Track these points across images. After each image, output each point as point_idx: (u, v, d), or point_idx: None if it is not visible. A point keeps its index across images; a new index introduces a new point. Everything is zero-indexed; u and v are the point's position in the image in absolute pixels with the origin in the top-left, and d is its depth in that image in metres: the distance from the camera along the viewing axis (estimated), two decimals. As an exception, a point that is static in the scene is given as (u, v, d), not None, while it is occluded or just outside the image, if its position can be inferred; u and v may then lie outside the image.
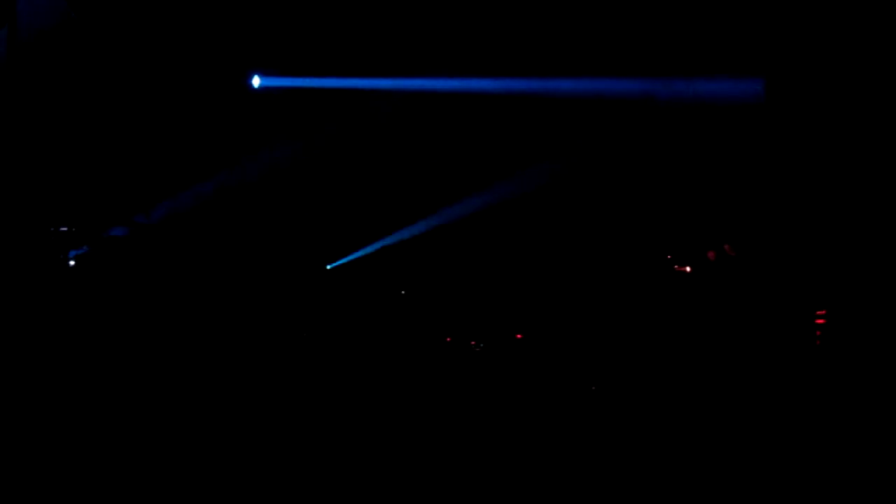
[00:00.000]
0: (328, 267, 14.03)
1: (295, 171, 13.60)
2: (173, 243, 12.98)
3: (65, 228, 11.37)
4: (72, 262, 11.43)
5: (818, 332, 10.13)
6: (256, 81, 13.25)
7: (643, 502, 6.92)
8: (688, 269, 11.32)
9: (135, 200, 12.75)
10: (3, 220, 11.01)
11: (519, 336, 12.65)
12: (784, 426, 8.70)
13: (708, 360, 10.42)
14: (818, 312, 10.16)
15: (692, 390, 10.07)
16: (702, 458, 7.87)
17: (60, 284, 11.22)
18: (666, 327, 11.17)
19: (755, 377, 9.89)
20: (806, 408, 9.17)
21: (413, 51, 12.65)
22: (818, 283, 10.13)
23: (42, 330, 10.53)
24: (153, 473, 7.34)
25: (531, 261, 13.08)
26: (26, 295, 10.64)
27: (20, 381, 9.53)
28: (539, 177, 12.86)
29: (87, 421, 8.66)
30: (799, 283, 10.18)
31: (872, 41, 9.82)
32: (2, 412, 8.64)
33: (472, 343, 12.78)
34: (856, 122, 9.97)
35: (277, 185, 13.64)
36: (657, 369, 10.72)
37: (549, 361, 11.84)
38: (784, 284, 10.23)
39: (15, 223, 11.03)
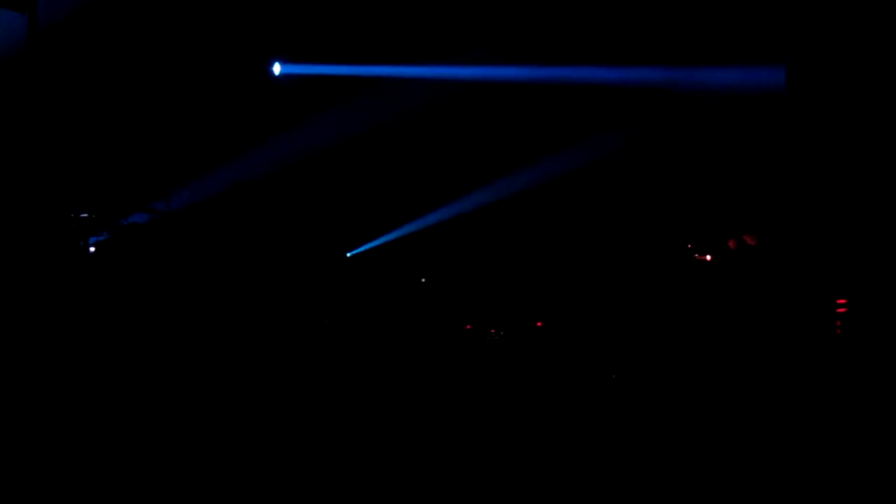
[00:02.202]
0: (348, 255, 14.05)
1: (316, 158, 13.61)
2: (193, 231, 13.02)
3: (85, 215, 11.38)
4: (92, 249, 11.46)
5: (839, 322, 10.07)
6: (277, 69, 13.26)
7: (667, 492, 6.89)
8: (708, 257, 11.28)
9: (155, 187, 12.77)
10: (22, 207, 11.05)
11: (539, 324, 12.64)
12: (804, 417, 8.66)
13: (728, 350, 10.38)
14: (839, 301, 10.10)
15: (712, 380, 10.04)
16: (722, 446, 7.85)
17: (80, 271, 11.24)
18: (686, 316, 11.14)
19: (775, 366, 9.85)
20: (826, 399, 9.12)
21: (433, 39, 12.63)
22: (839, 273, 10.07)
23: (61, 317, 10.56)
24: (170, 462, 7.36)
25: (551, 249, 13.07)
26: (45, 282, 10.67)
27: (38, 368, 9.56)
28: (559, 165, 12.84)
29: (103, 410, 8.70)
30: (820, 273, 10.12)
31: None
32: (16, 400, 8.67)
33: (492, 331, 12.78)
34: (879, 110, 9.90)
35: (299, 173, 13.65)
36: (677, 358, 10.69)
37: (570, 350, 11.83)
38: (805, 274, 10.17)
39: (34, 210, 11.06)
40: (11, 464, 7.11)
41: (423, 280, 13.73)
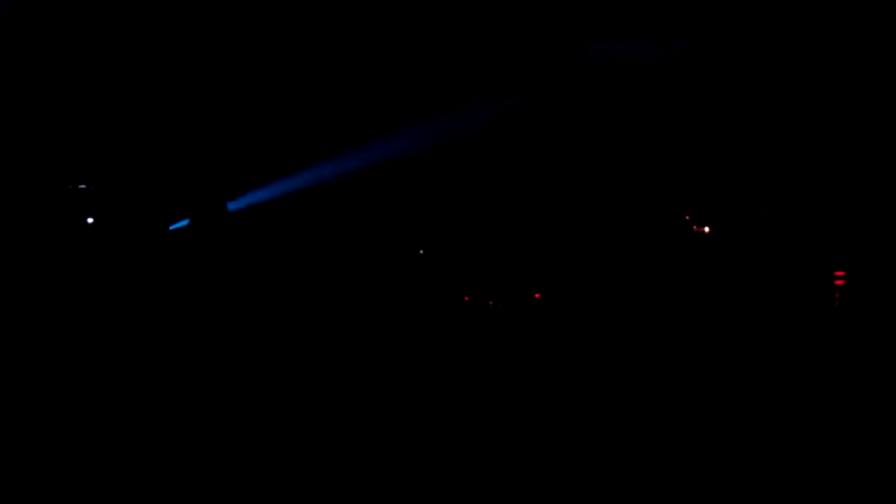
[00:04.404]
0: (345, 226, 14.03)
1: (314, 130, 13.58)
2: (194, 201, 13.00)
3: (83, 186, 11.39)
4: (90, 221, 11.47)
5: (836, 294, 10.10)
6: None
7: (667, 467, 6.92)
8: (706, 229, 11.30)
9: (149, 159, 12.75)
10: (24, 180, 11.06)
11: (538, 295, 12.66)
12: (804, 387, 8.69)
13: (726, 321, 10.42)
14: (837, 273, 10.13)
15: (711, 352, 10.07)
16: (722, 413, 7.88)
17: (79, 243, 11.26)
18: (685, 287, 11.17)
19: (773, 337, 9.88)
20: (825, 370, 9.15)
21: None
22: (837, 245, 10.10)
23: (63, 290, 10.59)
24: (179, 434, 7.38)
25: (550, 221, 13.07)
26: (46, 255, 10.69)
27: (41, 338, 9.58)
28: (559, 137, 12.83)
29: (105, 382, 8.72)
30: (818, 245, 10.15)
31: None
32: (18, 373, 8.69)
33: (490, 303, 12.79)
34: (879, 80, 9.90)
35: (297, 144, 13.62)
36: (677, 329, 10.72)
37: (568, 321, 11.85)
38: (803, 246, 10.20)
39: (35, 183, 11.07)
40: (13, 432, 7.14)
41: (421, 252, 13.73)
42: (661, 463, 6.85)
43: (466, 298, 12.98)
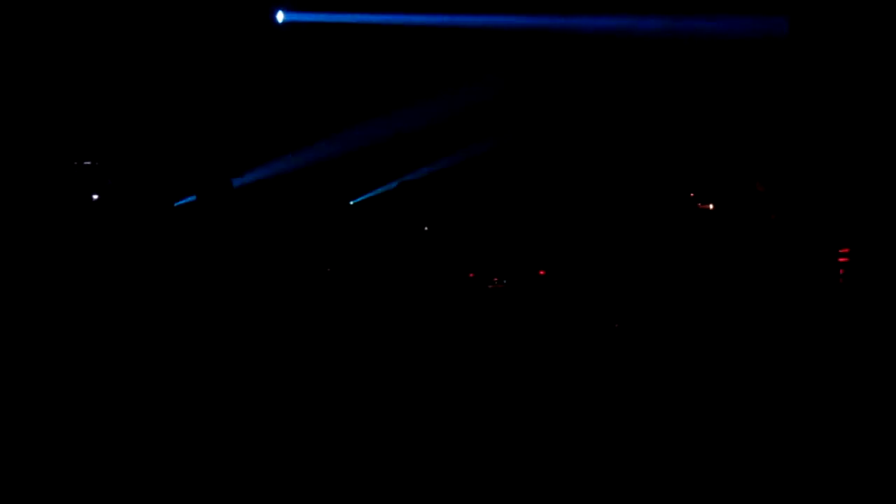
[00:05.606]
0: (351, 203, 14.07)
1: (318, 107, 13.58)
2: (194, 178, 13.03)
3: (88, 163, 11.42)
4: (95, 197, 11.50)
5: (841, 271, 10.09)
6: (280, 17, 13.18)
7: (669, 438, 6.93)
8: (710, 206, 11.29)
9: (155, 136, 12.77)
10: (28, 155, 11.09)
11: (542, 272, 12.67)
12: (806, 368, 8.70)
13: (728, 297, 10.42)
14: (841, 251, 10.11)
15: (714, 329, 10.07)
16: (723, 391, 7.90)
17: (83, 220, 11.30)
18: (689, 264, 11.17)
19: (777, 315, 9.88)
20: (827, 349, 9.15)
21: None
22: (841, 221, 10.07)
23: (67, 265, 10.63)
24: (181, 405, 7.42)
25: (555, 199, 13.07)
26: (50, 231, 10.73)
27: (44, 314, 9.63)
28: (561, 114, 12.83)
29: (108, 353, 8.76)
30: (821, 222, 10.13)
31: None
32: (23, 346, 8.73)
33: (495, 279, 12.81)
34: (880, 59, 9.86)
35: (301, 122, 13.63)
36: (681, 307, 10.73)
37: (572, 298, 11.86)
38: (806, 223, 10.18)
39: (40, 158, 11.10)
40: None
41: (426, 228, 13.75)
42: (668, 439, 6.87)
43: (472, 275, 12.99)
